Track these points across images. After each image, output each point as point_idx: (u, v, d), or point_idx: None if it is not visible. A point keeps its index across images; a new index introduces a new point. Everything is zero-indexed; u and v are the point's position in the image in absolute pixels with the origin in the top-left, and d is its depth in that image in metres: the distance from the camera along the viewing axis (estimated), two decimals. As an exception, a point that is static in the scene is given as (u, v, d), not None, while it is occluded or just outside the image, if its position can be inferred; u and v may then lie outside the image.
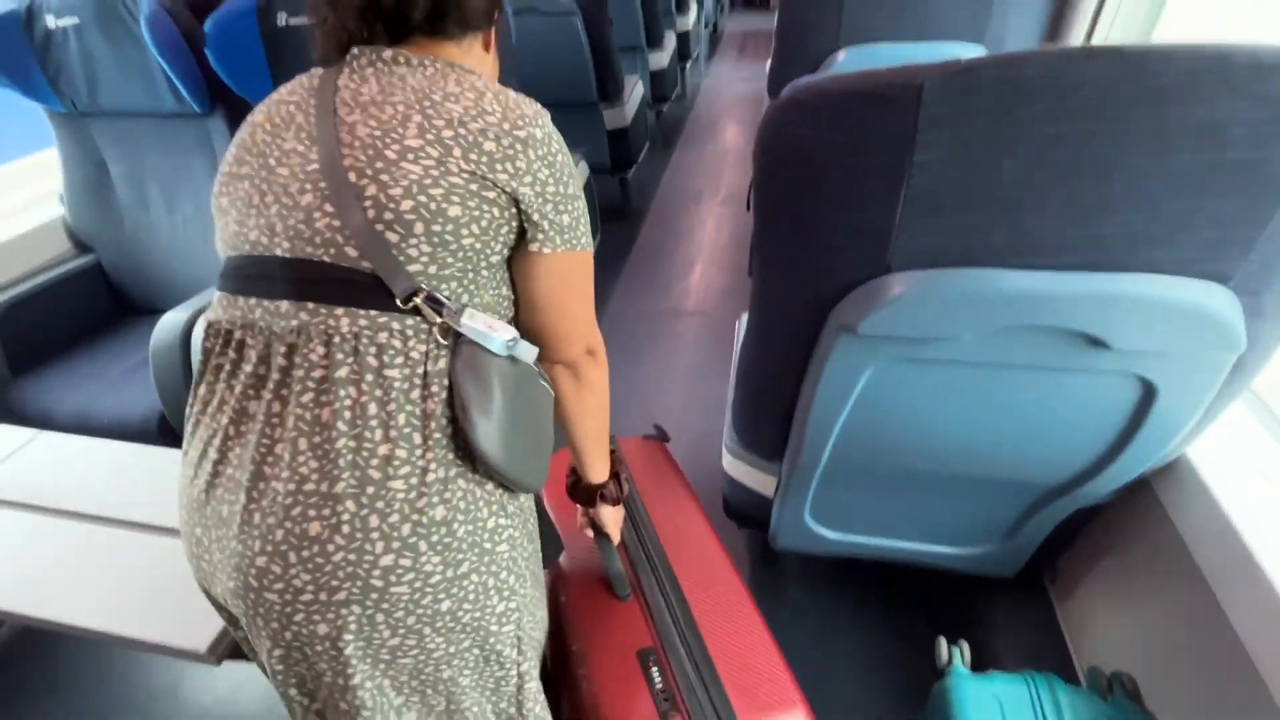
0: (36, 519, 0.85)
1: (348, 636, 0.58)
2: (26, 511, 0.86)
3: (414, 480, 0.57)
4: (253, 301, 0.58)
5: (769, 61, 3.07)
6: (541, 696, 0.75)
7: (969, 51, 1.21)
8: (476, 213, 0.57)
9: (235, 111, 1.45)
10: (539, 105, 0.62)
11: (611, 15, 2.32)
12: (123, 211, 1.61)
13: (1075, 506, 0.91)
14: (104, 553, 0.80)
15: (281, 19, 1.26)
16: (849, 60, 1.26)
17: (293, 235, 0.57)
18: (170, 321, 1.33)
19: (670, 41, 3.34)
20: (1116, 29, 1.15)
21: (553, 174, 0.60)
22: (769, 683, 0.74)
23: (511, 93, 0.61)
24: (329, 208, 0.56)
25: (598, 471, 0.78)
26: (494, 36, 0.70)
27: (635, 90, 2.65)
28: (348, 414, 0.55)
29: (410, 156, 0.55)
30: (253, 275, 0.59)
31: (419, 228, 0.55)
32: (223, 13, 1.24)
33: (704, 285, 2.52)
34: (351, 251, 0.56)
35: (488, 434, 0.57)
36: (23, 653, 1.36)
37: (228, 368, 0.60)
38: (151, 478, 0.88)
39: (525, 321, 0.66)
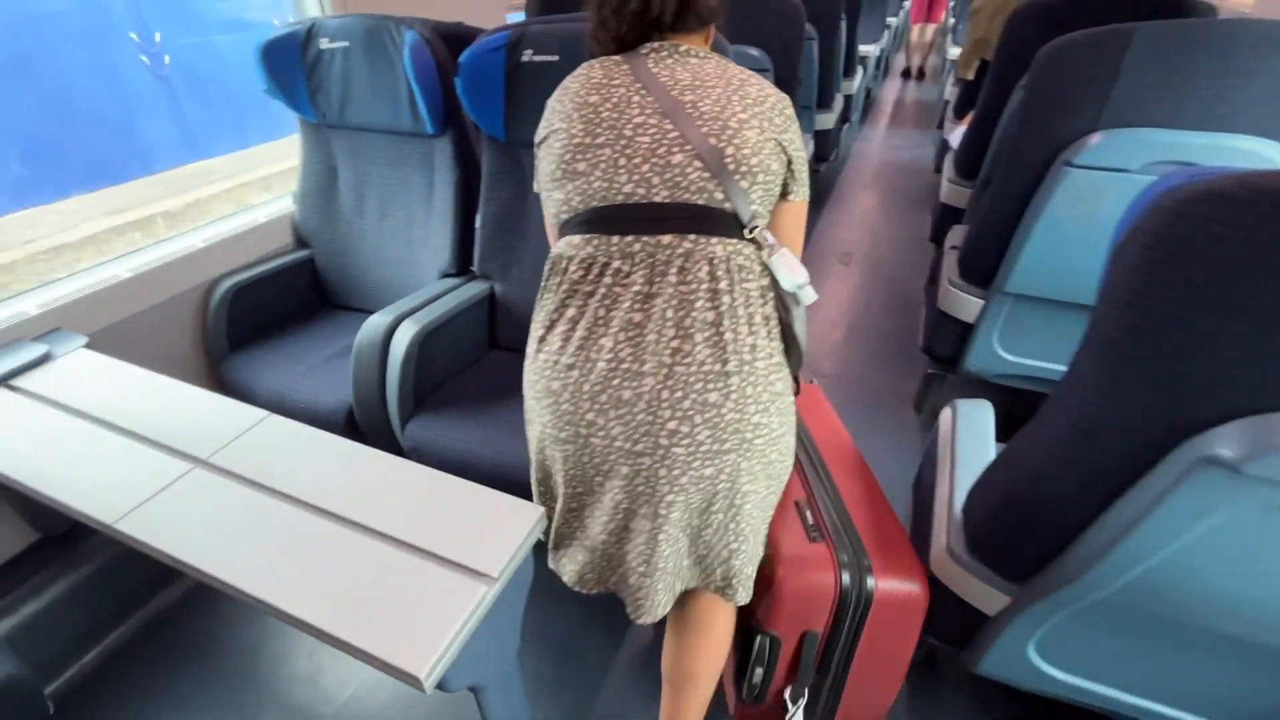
0: (266, 500, 0.88)
1: (722, 477, 0.81)
2: (258, 491, 0.89)
3: (770, 361, 0.81)
4: (630, 238, 0.78)
5: (948, 131, 2.92)
6: None
7: (1268, 150, 1.07)
8: (777, 167, 0.81)
9: (461, 135, 1.55)
10: None
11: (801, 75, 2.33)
12: (341, 214, 1.76)
13: None
14: (328, 547, 0.80)
15: (527, 55, 1.33)
16: (1111, 145, 1.15)
17: (670, 185, 0.77)
18: (375, 324, 1.41)
19: (839, 104, 3.32)
20: None
21: (802, 141, 0.84)
22: (896, 546, 0.95)
23: None
24: (698, 164, 0.76)
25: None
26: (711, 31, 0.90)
27: (808, 150, 2.62)
28: (727, 315, 0.77)
29: (746, 125, 0.77)
30: (633, 217, 0.78)
31: (760, 177, 0.79)
32: (478, 47, 1.33)
33: (848, 349, 2.40)
34: (719, 195, 0.77)
35: (800, 329, 0.83)
36: (194, 608, 1.45)
37: (602, 291, 0.79)
38: (387, 484, 0.90)
39: None
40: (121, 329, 1.41)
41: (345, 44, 1.52)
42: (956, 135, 2.53)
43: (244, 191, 2.37)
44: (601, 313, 0.79)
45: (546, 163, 0.85)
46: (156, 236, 1.60)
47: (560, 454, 0.86)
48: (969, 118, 2.40)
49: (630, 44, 0.84)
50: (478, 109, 1.40)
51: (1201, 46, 1.06)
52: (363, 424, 1.44)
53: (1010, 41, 1.96)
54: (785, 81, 2.26)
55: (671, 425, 0.77)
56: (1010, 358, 1.61)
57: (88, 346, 1.26)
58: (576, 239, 0.82)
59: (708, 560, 0.90)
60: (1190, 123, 1.12)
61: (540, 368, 0.85)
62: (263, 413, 1.05)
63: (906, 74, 7.14)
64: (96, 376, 1.17)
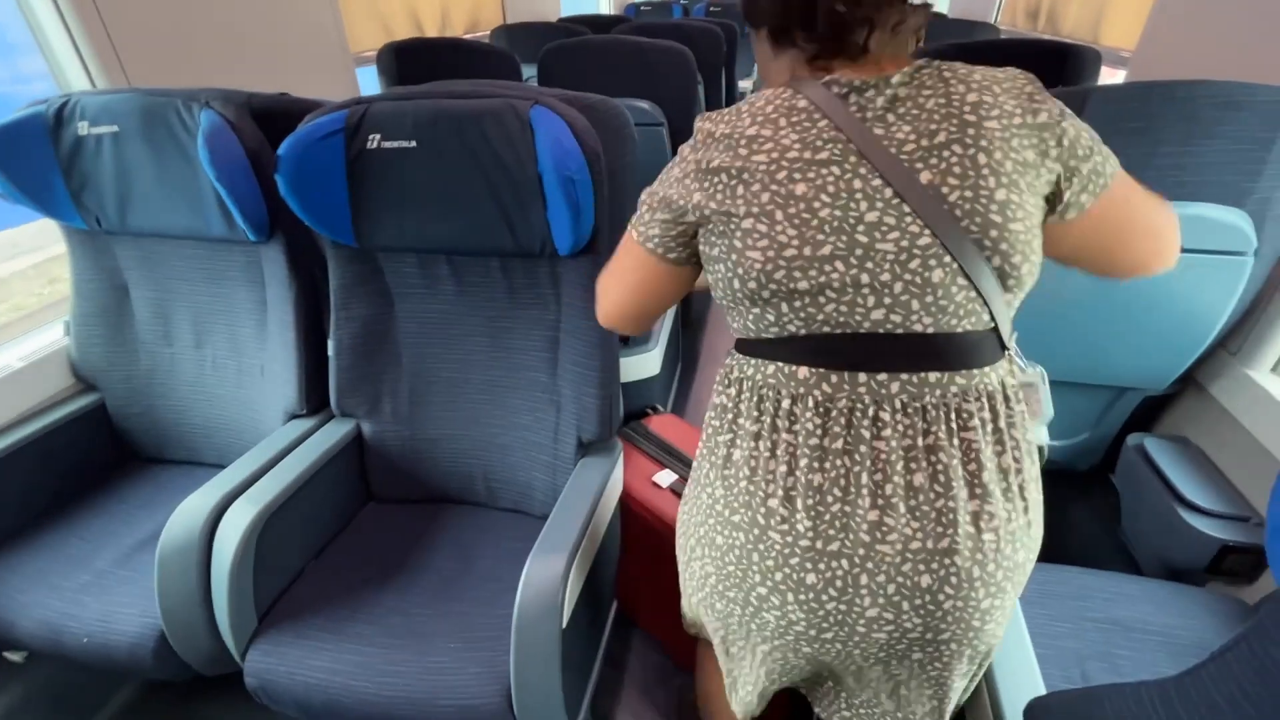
0: None
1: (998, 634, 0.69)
2: None
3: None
4: (884, 376, 0.62)
5: None
6: None
7: (1225, 216, 0.98)
8: (1035, 201, 0.62)
9: (298, 237, 1.18)
10: None
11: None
12: (139, 343, 1.32)
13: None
14: None
15: (372, 141, 1.01)
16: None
17: (935, 312, 0.60)
18: (190, 511, 1.01)
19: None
20: None
21: (1064, 113, 0.63)
22: None
23: None
24: (962, 281, 0.60)
25: None
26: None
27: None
28: (1015, 456, 0.64)
29: (1001, 190, 0.58)
30: (886, 351, 0.62)
31: (1027, 267, 0.61)
32: (304, 134, 1.00)
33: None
34: (986, 316, 0.62)
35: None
36: None
37: (863, 449, 0.62)
38: None
39: None
40: None
41: (114, 128, 1.12)
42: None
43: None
44: (871, 480, 0.62)
45: (731, 271, 0.64)
46: None
47: (810, 649, 0.70)
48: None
49: (825, 53, 0.63)
50: (313, 211, 1.06)
51: (1159, 111, 0.96)
52: (184, 655, 1.03)
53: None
54: (683, 132, 2.08)
55: (985, 605, 0.64)
56: None
57: None
58: (802, 372, 0.64)
59: None
60: (1156, 189, 1.02)
61: (779, 553, 0.65)
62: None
63: None
64: None
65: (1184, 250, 1.02)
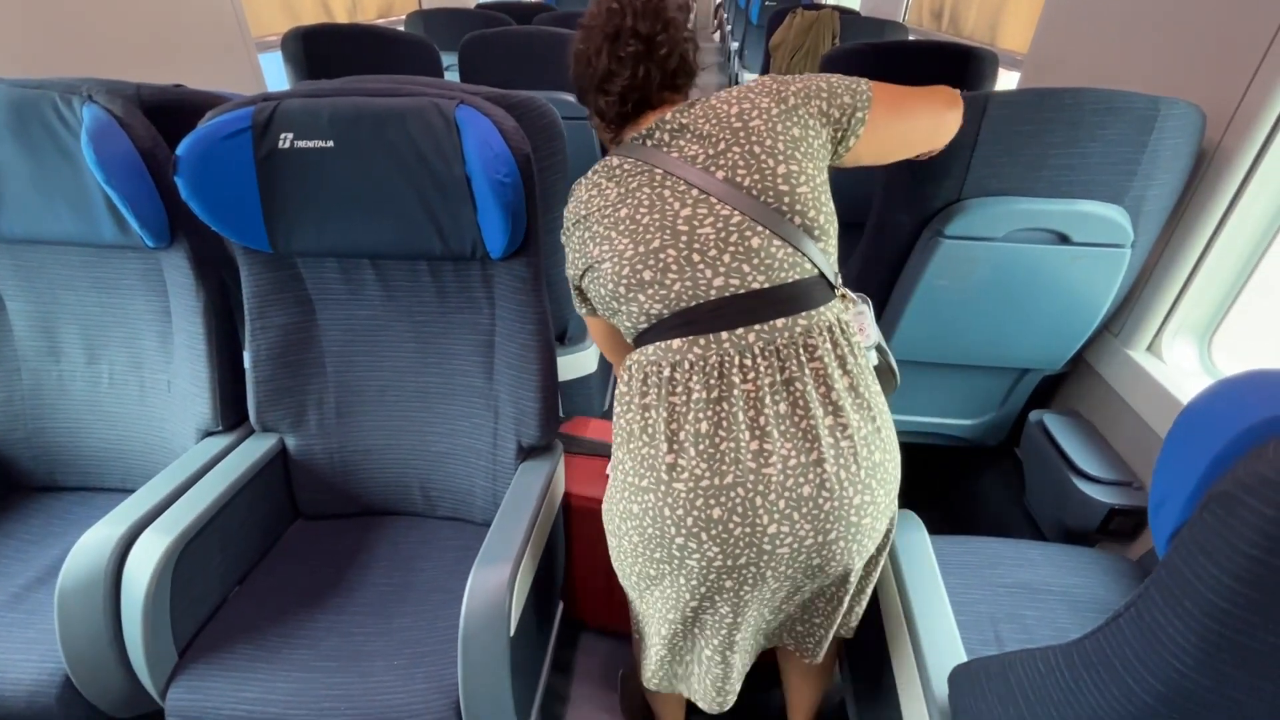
0: None
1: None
2: None
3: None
4: (741, 330, 0.74)
5: None
6: None
7: (1107, 212, 1.08)
8: (818, 153, 0.81)
9: (204, 240, 1.10)
10: None
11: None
12: (20, 360, 1.20)
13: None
14: None
15: (285, 140, 0.95)
16: (977, 214, 1.11)
17: (765, 269, 0.74)
18: (95, 542, 0.93)
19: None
20: (1263, 195, 1.05)
21: (810, 81, 0.83)
22: None
23: None
24: (778, 241, 0.75)
25: None
26: None
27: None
28: (859, 376, 0.78)
29: (781, 165, 0.76)
30: (738, 308, 0.74)
31: (822, 219, 0.78)
32: (206, 132, 0.92)
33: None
34: (808, 265, 0.76)
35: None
36: None
37: (736, 393, 0.74)
38: None
39: None
40: None
41: (-23, 125, 1.00)
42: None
43: None
44: (746, 416, 0.74)
45: (600, 289, 0.81)
46: None
47: (732, 582, 0.79)
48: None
49: (632, 116, 0.84)
50: (220, 215, 0.98)
51: (1050, 117, 1.05)
52: (93, 699, 0.95)
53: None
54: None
55: (857, 501, 0.76)
56: (897, 416, 1.58)
57: None
58: (675, 343, 0.76)
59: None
60: (1046, 191, 1.11)
61: (685, 499, 0.75)
62: None
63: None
64: None
65: (1072, 243, 1.13)
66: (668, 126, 0.79)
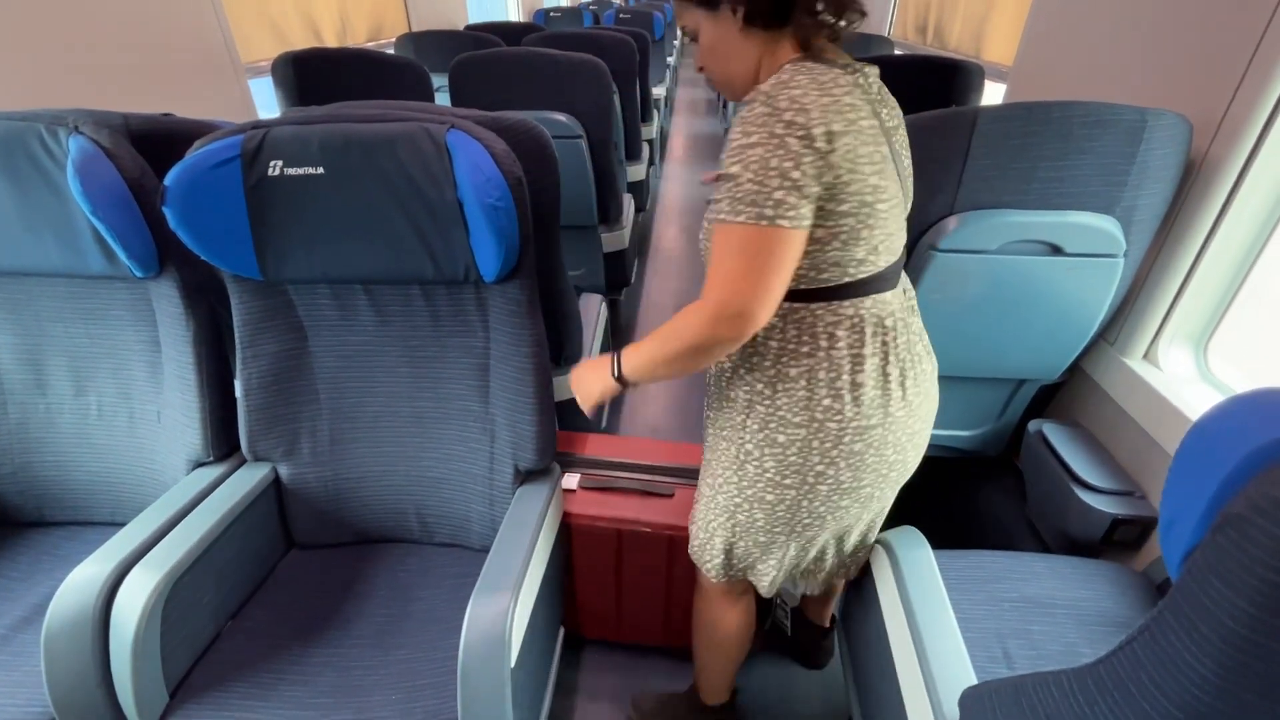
0: None
1: None
2: None
3: None
4: (889, 294, 0.85)
5: None
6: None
7: (1098, 223, 1.09)
8: None
9: (193, 269, 1.09)
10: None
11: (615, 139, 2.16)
12: (7, 395, 1.18)
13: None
14: None
15: (274, 168, 0.94)
16: (970, 228, 1.11)
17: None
18: (82, 581, 0.91)
19: (645, 151, 3.24)
20: (1252, 203, 1.06)
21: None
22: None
23: None
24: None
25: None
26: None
27: (629, 210, 2.47)
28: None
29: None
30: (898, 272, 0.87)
31: None
32: (194, 161, 0.91)
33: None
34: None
35: None
36: None
37: (902, 342, 0.86)
38: None
39: None
40: None
41: (-39, 158, 0.99)
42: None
43: None
44: (900, 366, 0.85)
45: (850, 202, 0.74)
46: None
47: (870, 493, 0.92)
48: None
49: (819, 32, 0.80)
50: (209, 244, 0.98)
51: (1039, 130, 1.05)
52: (84, 745, 0.92)
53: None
54: (603, 144, 2.09)
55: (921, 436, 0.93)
56: None
57: None
58: (886, 296, 0.84)
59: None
60: (1038, 203, 1.11)
61: (903, 423, 0.88)
62: None
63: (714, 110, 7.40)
64: None
65: (1065, 254, 1.13)
66: (873, 79, 0.84)
